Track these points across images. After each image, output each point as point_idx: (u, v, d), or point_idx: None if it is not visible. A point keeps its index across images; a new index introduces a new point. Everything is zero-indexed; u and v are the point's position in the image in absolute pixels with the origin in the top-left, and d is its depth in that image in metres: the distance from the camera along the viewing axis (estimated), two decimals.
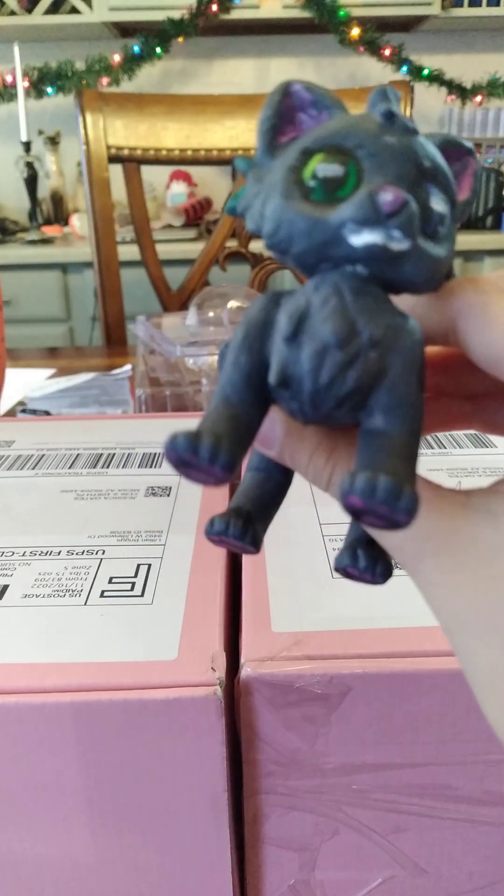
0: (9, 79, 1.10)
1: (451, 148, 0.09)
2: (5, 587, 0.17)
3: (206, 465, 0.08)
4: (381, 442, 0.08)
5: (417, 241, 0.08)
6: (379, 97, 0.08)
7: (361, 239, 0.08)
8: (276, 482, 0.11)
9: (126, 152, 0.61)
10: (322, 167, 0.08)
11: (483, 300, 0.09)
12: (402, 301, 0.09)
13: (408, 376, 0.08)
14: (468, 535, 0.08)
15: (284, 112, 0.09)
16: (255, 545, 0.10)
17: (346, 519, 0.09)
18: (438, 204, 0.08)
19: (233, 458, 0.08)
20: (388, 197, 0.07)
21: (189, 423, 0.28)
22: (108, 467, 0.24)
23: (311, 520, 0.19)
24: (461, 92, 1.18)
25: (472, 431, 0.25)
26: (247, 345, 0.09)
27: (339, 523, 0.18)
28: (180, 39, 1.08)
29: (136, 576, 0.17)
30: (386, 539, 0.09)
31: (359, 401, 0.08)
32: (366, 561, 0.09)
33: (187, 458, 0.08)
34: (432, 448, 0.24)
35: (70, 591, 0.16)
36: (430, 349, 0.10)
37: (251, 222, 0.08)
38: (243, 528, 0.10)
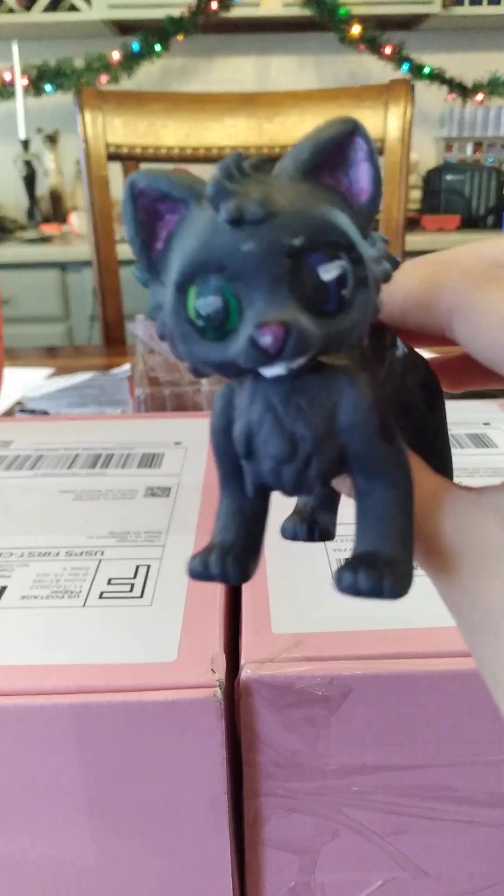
0: (7, 77, 1.10)
1: (328, 147, 0.08)
2: (4, 588, 0.17)
3: (220, 581, 0.09)
4: (370, 503, 0.09)
5: (322, 339, 0.07)
6: (217, 197, 0.07)
7: (268, 373, 0.08)
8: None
9: (125, 150, 0.61)
10: (199, 306, 0.08)
11: (474, 298, 0.08)
12: (389, 301, 0.09)
13: (369, 444, 0.08)
14: (477, 535, 0.08)
15: (144, 217, 0.08)
16: (328, 537, 0.11)
17: (346, 520, 0.09)
18: (330, 271, 0.08)
19: (242, 568, 0.09)
20: (266, 341, 0.07)
21: (188, 423, 0.28)
22: (107, 467, 0.23)
23: None
24: (462, 90, 1.17)
25: (476, 432, 0.25)
26: (221, 451, 0.09)
27: (339, 524, 0.18)
28: (180, 37, 1.08)
29: (135, 577, 0.17)
30: None
31: (334, 476, 0.09)
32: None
33: (203, 580, 0.09)
34: None
35: (69, 593, 0.16)
36: None
37: (174, 354, 0.08)
38: (310, 529, 0.11)
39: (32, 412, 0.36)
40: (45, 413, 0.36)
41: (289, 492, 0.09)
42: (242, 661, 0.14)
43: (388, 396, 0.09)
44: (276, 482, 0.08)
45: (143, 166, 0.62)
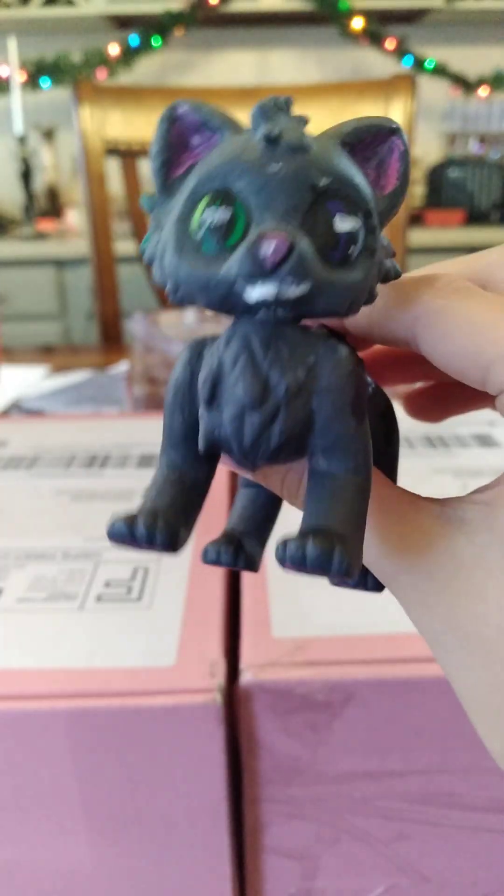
0: (4, 72, 1.09)
1: (369, 134, 0.08)
2: (0, 591, 0.16)
3: (145, 546, 0.08)
4: (325, 485, 0.08)
5: (320, 276, 0.07)
6: (260, 116, 0.07)
7: (255, 294, 0.07)
8: (266, 495, 0.10)
9: (123, 146, 0.60)
10: (207, 215, 0.07)
11: (440, 306, 0.08)
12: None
13: (340, 414, 0.08)
14: (442, 548, 0.08)
15: (175, 141, 0.08)
16: (252, 566, 0.10)
17: None
18: (345, 223, 0.07)
19: (171, 534, 0.08)
20: (268, 249, 0.07)
21: None
22: (104, 468, 0.23)
23: None
24: (466, 85, 1.16)
25: (480, 431, 0.25)
26: (177, 406, 0.08)
27: None
28: (179, 32, 1.07)
29: (133, 579, 0.17)
30: (365, 554, 0.09)
31: (295, 448, 0.08)
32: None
33: (126, 543, 0.08)
34: (435, 448, 0.23)
35: (66, 596, 0.16)
36: None
37: (157, 275, 0.08)
38: (234, 554, 0.10)
39: (28, 411, 0.36)
40: (40, 412, 0.36)
41: (245, 448, 0.08)
42: (242, 665, 0.13)
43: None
44: (236, 434, 0.08)
45: (143, 162, 0.62)
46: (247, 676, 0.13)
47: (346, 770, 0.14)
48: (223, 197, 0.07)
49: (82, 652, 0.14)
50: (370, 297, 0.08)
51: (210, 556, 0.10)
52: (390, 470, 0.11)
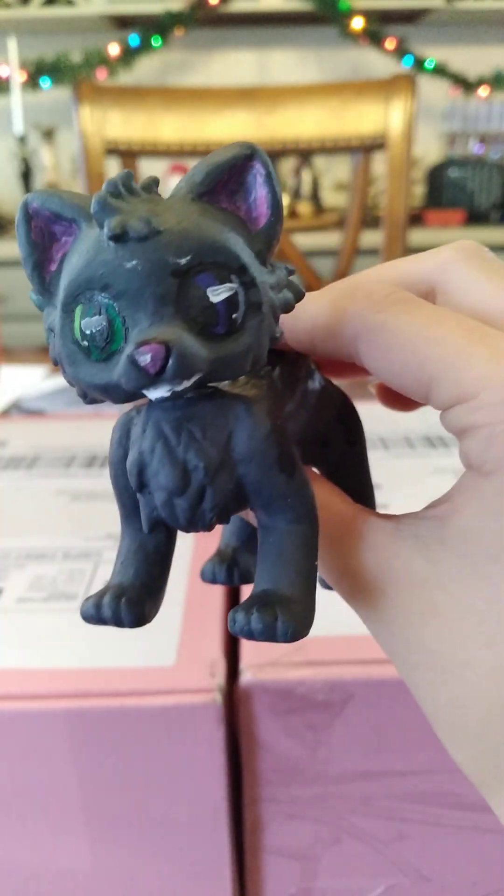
0: (4, 72, 1.09)
1: (224, 171, 0.08)
2: (0, 591, 0.16)
3: (113, 625, 0.08)
4: (271, 539, 0.08)
5: (208, 361, 0.07)
6: (101, 212, 0.07)
7: (151, 395, 0.07)
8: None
9: (123, 146, 0.60)
10: (85, 326, 0.07)
11: (378, 321, 0.08)
12: (298, 329, 0.09)
13: (268, 476, 0.08)
14: (398, 567, 0.08)
15: (38, 239, 0.08)
16: (247, 580, 0.10)
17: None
18: (219, 293, 0.07)
19: (136, 613, 0.08)
20: (145, 361, 0.07)
21: None
22: (104, 468, 0.23)
23: None
24: (466, 85, 1.16)
25: None
26: (119, 487, 0.09)
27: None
28: (179, 32, 1.07)
29: None
30: (325, 576, 0.09)
31: (236, 509, 0.08)
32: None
33: (96, 623, 0.08)
34: (435, 448, 0.23)
35: (66, 595, 0.16)
36: None
37: (65, 378, 0.08)
38: (229, 571, 0.10)
39: (28, 411, 0.36)
40: (41, 412, 0.36)
41: (183, 527, 0.08)
42: (242, 665, 0.13)
43: (300, 427, 0.09)
44: (170, 516, 0.08)
45: (144, 162, 0.62)
46: (247, 676, 0.13)
47: (346, 770, 0.14)
48: (94, 306, 0.07)
49: (82, 652, 0.14)
50: (273, 340, 0.08)
51: (207, 577, 0.10)
52: (359, 469, 0.11)
